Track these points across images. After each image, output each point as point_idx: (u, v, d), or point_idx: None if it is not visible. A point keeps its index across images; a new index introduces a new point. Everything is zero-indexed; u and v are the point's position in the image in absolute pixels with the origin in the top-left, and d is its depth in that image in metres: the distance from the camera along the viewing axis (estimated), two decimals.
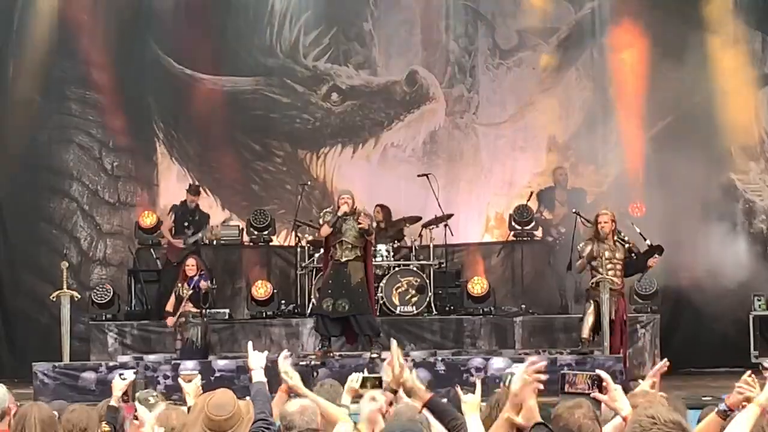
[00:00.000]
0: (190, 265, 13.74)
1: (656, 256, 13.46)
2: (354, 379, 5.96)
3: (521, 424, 4.15)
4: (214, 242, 15.91)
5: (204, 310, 13.73)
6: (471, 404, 4.94)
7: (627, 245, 13.29)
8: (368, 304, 13.20)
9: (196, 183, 15.91)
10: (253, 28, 16.88)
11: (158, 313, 14.62)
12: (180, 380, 6.30)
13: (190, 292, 13.57)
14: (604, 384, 4.36)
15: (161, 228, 15.64)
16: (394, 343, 5.01)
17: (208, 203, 16.79)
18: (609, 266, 13.02)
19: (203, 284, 13.63)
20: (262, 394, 5.54)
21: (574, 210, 14.45)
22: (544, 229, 15.76)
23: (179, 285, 13.75)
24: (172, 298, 13.79)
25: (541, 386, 4.21)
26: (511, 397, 4.20)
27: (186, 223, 15.36)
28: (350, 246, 13.03)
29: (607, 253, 13.08)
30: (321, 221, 13.32)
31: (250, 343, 5.98)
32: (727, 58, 15.84)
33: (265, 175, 17.05)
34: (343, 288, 13.06)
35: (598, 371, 4.44)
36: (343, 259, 13.07)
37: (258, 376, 5.75)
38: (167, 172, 16.84)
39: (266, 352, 5.93)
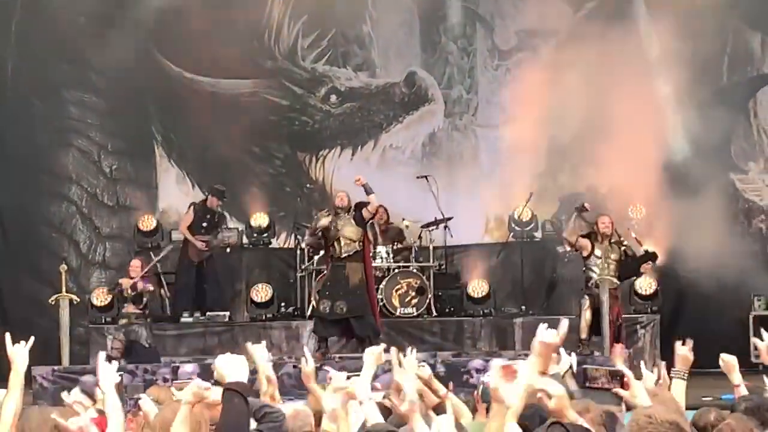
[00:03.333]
0: (134, 266, 13.72)
1: (650, 262, 13.55)
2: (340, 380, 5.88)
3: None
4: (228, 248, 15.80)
5: (146, 311, 13.64)
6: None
7: (622, 247, 13.36)
8: (367, 306, 13.20)
9: (222, 187, 15.74)
10: (252, 31, 16.86)
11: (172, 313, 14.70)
12: (173, 389, 6.25)
13: (134, 293, 13.52)
14: (625, 380, 4.36)
15: (180, 226, 15.56)
16: (393, 350, 5.04)
17: None
18: (603, 266, 13.09)
19: (145, 285, 13.58)
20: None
21: (576, 206, 14.44)
22: (556, 237, 15.57)
23: (121, 285, 13.68)
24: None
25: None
26: (492, 393, 4.17)
27: (204, 224, 15.31)
28: (349, 241, 13.07)
29: (599, 253, 13.18)
30: (315, 224, 13.38)
31: (248, 343, 5.97)
32: None
33: (265, 178, 17.04)
34: (341, 289, 13.08)
35: (619, 367, 4.44)
36: (343, 255, 13.11)
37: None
38: (166, 175, 16.82)
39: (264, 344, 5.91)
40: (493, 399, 4.01)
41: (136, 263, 13.80)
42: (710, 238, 14.81)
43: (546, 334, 4.15)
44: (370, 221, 13.60)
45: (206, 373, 12.34)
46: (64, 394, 5.84)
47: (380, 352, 5.43)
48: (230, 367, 4.56)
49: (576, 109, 16.62)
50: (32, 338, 5.33)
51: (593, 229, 13.49)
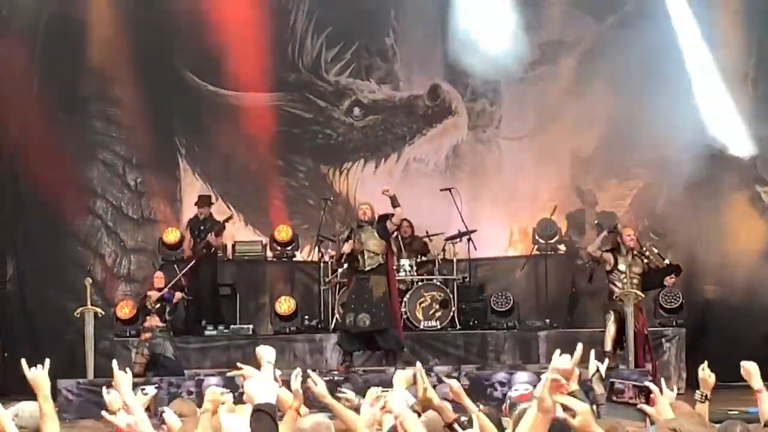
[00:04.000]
0: (158, 278, 13.73)
1: (673, 275, 13.51)
2: (373, 394, 5.92)
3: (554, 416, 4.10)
4: (219, 250, 15.70)
5: (169, 324, 13.66)
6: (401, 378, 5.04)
7: (646, 260, 13.32)
8: (391, 319, 13.19)
9: (207, 194, 15.87)
10: (276, 44, 16.91)
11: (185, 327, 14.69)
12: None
13: (158, 305, 13.53)
14: (651, 396, 4.33)
15: (184, 245, 15.66)
16: (418, 364, 5.02)
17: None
18: (625, 279, 13.05)
19: (178, 295, 13.57)
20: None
21: (596, 222, 14.42)
22: (571, 250, 15.65)
23: (150, 297, 13.69)
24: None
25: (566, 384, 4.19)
26: (539, 404, 4.17)
27: (196, 232, 15.33)
28: (372, 254, 13.07)
29: (623, 267, 13.13)
30: (338, 251, 13.45)
31: (258, 347, 5.90)
32: None
33: (288, 191, 17.07)
34: (365, 303, 13.07)
35: (647, 383, 4.42)
36: (367, 268, 13.10)
37: (267, 372, 5.68)
38: (190, 188, 16.87)
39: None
40: (540, 409, 4.00)
41: (159, 275, 13.84)
42: (734, 250, 14.75)
43: (559, 361, 4.15)
44: (394, 233, 13.61)
45: (230, 387, 12.38)
46: (114, 363, 5.96)
47: (410, 375, 5.41)
48: (260, 388, 4.58)
49: (599, 121, 16.61)
50: (47, 360, 5.33)
51: (617, 241, 13.45)
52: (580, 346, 4.00)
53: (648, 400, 4.33)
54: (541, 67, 16.83)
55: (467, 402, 5.86)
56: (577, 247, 15.76)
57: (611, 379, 4.35)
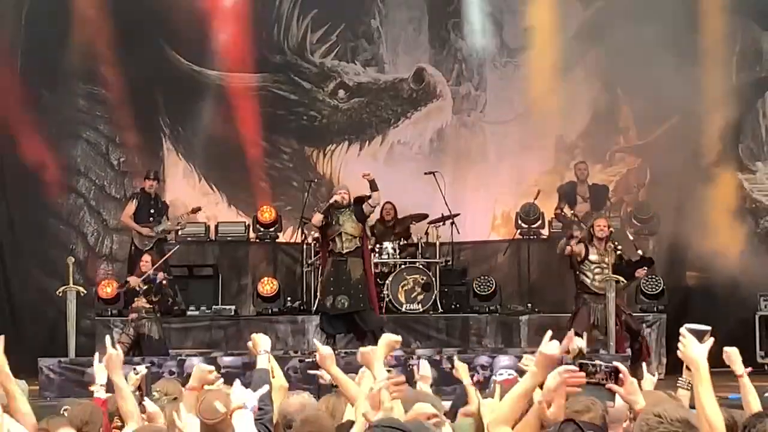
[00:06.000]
0: (146, 261, 13.69)
1: (645, 267, 13.52)
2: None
3: (548, 420, 4.18)
4: (171, 235, 15.41)
5: (155, 306, 13.66)
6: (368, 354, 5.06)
7: (618, 252, 13.32)
8: (368, 300, 13.23)
9: (154, 170, 15.64)
10: (261, 25, 16.87)
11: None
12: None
13: (145, 287, 13.51)
14: (620, 376, 4.41)
15: (121, 216, 15.41)
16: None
17: (214, 199, 16.82)
18: (597, 270, 13.08)
19: (160, 275, 13.54)
20: (262, 382, 5.43)
21: (569, 212, 14.49)
22: (565, 225, 15.62)
23: (129, 283, 13.65)
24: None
25: (579, 390, 4.29)
26: (545, 392, 4.22)
27: (152, 211, 15.08)
28: (350, 237, 13.12)
29: (595, 257, 13.15)
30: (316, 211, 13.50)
31: (254, 335, 5.95)
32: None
33: (272, 172, 17.06)
34: (342, 285, 13.13)
35: (615, 363, 4.49)
36: (344, 251, 13.17)
37: (262, 362, 5.69)
38: (174, 168, 16.85)
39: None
40: (544, 395, 4.07)
41: (146, 258, 13.79)
42: (717, 238, 14.81)
43: (548, 346, 4.19)
44: (370, 217, 13.70)
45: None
46: (107, 339, 5.97)
47: (396, 340, 5.39)
48: (244, 395, 4.72)
49: (584, 106, 16.64)
50: (2, 337, 5.33)
51: (590, 232, 13.46)
52: (570, 333, 4.06)
53: (617, 381, 4.41)
54: (526, 52, 16.84)
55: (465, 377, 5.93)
56: (567, 218, 15.57)
57: (580, 362, 4.42)
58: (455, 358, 5.75)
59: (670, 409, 4.15)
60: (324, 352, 5.59)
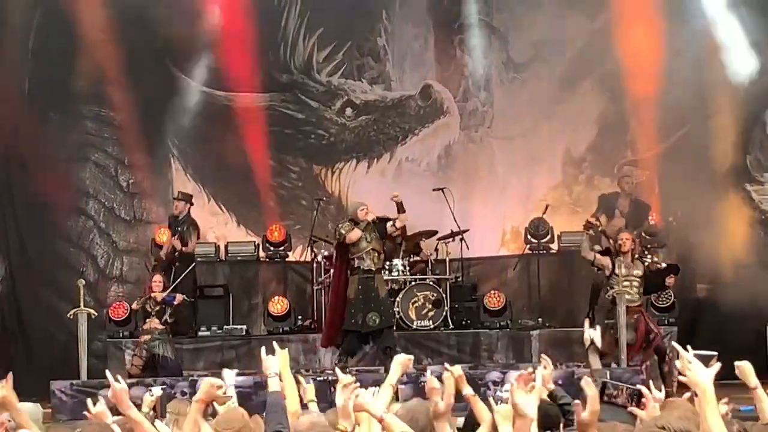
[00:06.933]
0: (157, 281, 13.70)
1: (672, 275, 13.52)
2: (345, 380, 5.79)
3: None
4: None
5: (168, 326, 13.64)
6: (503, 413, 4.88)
7: (646, 262, 13.34)
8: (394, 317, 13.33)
9: (188, 192, 15.79)
10: (267, 45, 16.91)
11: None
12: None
13: (156, 308, 13.51)
14: (642, 399, 4.36)
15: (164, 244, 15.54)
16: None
17: (223, 219, 16.85)
18: (625, 282, 13.02)
19: (179, 297, 13.55)
20: (278, 405, 5.19)
21: (583, 223, 14.45)
22: (595, 234, 15.33)
23: (143, 299, 13.67)
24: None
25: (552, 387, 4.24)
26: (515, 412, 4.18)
27: (178, 229, 15.19)
28: (377, 253, 13.16)
29: (623, 270, 13.11)
30: (343, 230, 13.29)
31: (263, 348, 5.67)
32: None
33: (281, 191, 17.08)
34: (372, 302, 13.13)
35: (638, 386, 4.45)
36: (374, 268, 13.18)
37: (273, 384, 5.48)
38: (182, 189, 16.85)
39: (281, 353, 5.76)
40: (516, 414, 4.01)
41: (158, 278, 13.80)
42: (727, 249, 14.78)
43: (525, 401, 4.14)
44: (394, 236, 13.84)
45: None
46: (89, 402, 5.85)
47: (409, 359, 5.39)
48: None
49: (591, 120, 16.64)
50: (10, 374, 5.30)
51: (614, 247, 13.42)
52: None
53: (639, 404, 4.36)
54: (533, 67, 16.86)
55: (467, 388, 5.83)
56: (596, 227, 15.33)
57: (603, 381, 4.39)
58: (446, 366, 5.38)
59: (674, 421, 4.14)
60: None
